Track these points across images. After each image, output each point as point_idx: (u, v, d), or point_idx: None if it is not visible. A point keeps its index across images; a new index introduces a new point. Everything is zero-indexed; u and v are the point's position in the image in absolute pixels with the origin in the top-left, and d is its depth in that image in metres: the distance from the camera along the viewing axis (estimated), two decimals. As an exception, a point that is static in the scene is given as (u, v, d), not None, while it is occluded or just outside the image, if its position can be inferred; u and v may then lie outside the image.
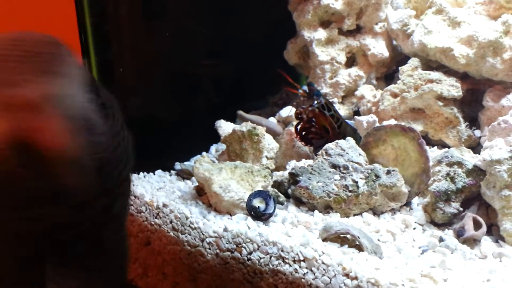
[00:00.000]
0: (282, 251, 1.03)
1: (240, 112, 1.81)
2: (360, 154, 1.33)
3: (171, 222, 1.25)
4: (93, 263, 0.74)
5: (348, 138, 1.38)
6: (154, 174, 1.57)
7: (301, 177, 1.29)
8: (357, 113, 1.78)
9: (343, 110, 1.79)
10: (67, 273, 0.69)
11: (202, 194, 1.35)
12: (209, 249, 1.16)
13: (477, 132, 1.54)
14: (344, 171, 1.29)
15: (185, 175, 1.55)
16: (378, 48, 1.79)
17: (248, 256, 1.08)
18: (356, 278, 0.92)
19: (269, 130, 1.61)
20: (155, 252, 1.30)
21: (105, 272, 0.77)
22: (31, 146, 0.56)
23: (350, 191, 1.24)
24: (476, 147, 1.51)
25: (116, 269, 0.80)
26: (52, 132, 0.57)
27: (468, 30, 1.53)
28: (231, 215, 1.24)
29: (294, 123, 1.55)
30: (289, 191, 1.33)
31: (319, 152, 1.37)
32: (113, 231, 0.81)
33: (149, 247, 1.32)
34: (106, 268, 0.78)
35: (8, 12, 1.30)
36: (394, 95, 1.60)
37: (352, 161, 1.30)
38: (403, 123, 1.40)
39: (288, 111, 1.74)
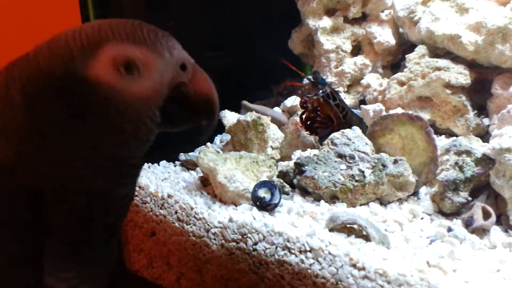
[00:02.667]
0: (288, 241, 1.02)
1: (245, 102, 1.80)
2: (366, 144, 1.31)
3: (176, 212, 1.24)
4: (92, 254, 0.75)
5: (354, 127, 1.36)
6: (158, 165, 1.56)
7: (306, 167, 1.28)
8: (363, 102, 1.76)
9: (348, 99, 1.77)
10: (64, 265, 0.70)
11: (207, 185, 1.33)
12: (214, 239, 1.15)
13: (486, 121, 1.52)
14: (350, 161, 1.27)
15: (189, 165, 1.54)
16: (384, 36, 1.77)
17: (254, 247, 1.07)
18: (363, 268, 0.91)
19: (274, 120, 1.60)
20: (160, 242, 1.29)
21: (102, 264, 0.78)
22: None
23: (356, 181, 1.22)
24: (484, 135, 1.49)
25: (111, 260, 0.81)
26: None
27: (476, 17, 1.50)
28: (236, 206, 1.22)
29: (299, 112, 1.53)
30: (295, 181, 1.32)
31: (325, 142, 1.35)
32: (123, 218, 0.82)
33: (154, 238, 1.31)
34: (104, 259, 0.78)
35: (10, 2, 1.29)
36: (401, 84, 1.58)
37: (359, 151, 1.28)
38: (410, 112, 1.38)
39: (292, 100, 1.72)
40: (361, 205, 1.23)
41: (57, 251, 0.68)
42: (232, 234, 1.11)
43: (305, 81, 1.61)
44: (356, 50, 1.85)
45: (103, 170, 0.68)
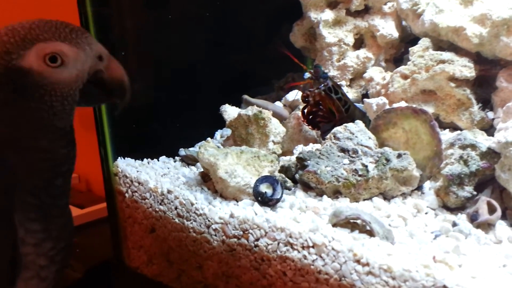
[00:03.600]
0: (290, 237, 1.00)
1: (246, 97, 1.78)
2: (369, 138, 1.29)
3: (176, 208, 1.22)
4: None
5: (357, 121, 1.34)
6: (158, 160, 1.54)
7: (309, 161, 1.26)
8: (365, 96, 1.73)
9: (351, 93, 1.75)
10: (31, 215, 0.87)
11: (207, 180, 1.32)
12: (215, 235, 1.13)
13: (490, 114, 1.50)
14: (354, 155, 1.25)
15: (189, 161, 1.52)
16: (387, 28, 1.74)
17: (255, 243, 1.06)
18: (367, 264, 0.89)
19: (276, 114, 1.58)
20: (160, 239, 1.27)
21: (62, 226, 0.95)
22: None
23: (359, 176, 1.20)
24: (489, 129, 1.46)
25: (70, 229, 0.98)
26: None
27: (481, 8, 1.47)
28: (237, 201, 1.21)
29: (301, 106, 1.51)
30: (297, 176, 1.30)
31: (327, 136, 1.33)
32: None
33: (154, 234, 1.29)
34: (63, 222, 0.95)
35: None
36: (405, 77, 1.55)
37: (362, 145, 1.26)
38: (414, 105, 1.35)
39: (294, 95, 1.70)
40: (364, 200, 1.21)
41: (24, 201, 0.85)
42: (233, 230, 1.09)
43: (307, 75, 1.59)
44: (359, 43, 1.83)
45: (45, 133, 0.88)
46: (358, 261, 0.90)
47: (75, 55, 0.86)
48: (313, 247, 0.97)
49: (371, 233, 1.00)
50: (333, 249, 0.94)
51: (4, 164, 0.85)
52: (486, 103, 1.53)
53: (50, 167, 0.90)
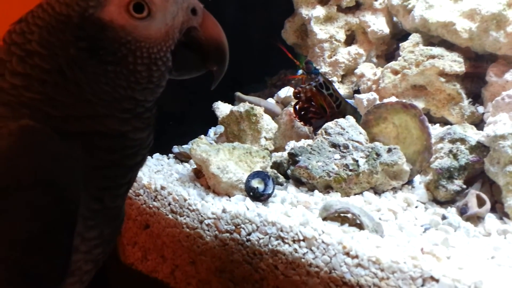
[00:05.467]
0: (281, 231, 1.01)
1: (238, 94, 1.79)
2: (360, 133, 1.30)
3: (169, 204, 1.23)
4: None
5: (348, 116, 1.35)
6: (152, 157, 1.54)
7: (300, 157, 1.27)
8: (357, 92, 1.75)
9: (343, 89, 1.76)
10: (91, 223, 0.72)
11: (200, 177, 1.33)
12: (208, 231, 1.14)
13: (480, 109, 1.51)
14: (344, 150, 1.26)
15: (183, 158, 1.53)
16: (378, 24, 1.75)
17: (247, 237, 1.07)
18: (356, 256, 0.90)
19: (268, 111, 1.59)
20: (154, 235, 1.28)
21: (115, 226, 0.80)
22: None
23: (350, 170, 1.21)
24: (479, 124, 1.48)
25: (119, 227, 0.83)
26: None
27: (470, 4, 1.49)
28: (229, 197, 1.22)
29: (293, 103, 1.52)
30: (289, 172, 1.31)
31: (319, 132, 1.34)
32: None
33: (148, 230, 1.30)
34: (117, 222, 0.81)
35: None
36: (395, 72, 1.56)
37: (352, 140, 1.28)
38: (404, 100, 1.37)
39: (286, 91, 1.72)
40: (355, 194, 1.23)
41: (87, 207, 0.69)
42: (226, 225, 1.10)
43: (300, 72, 1.60)
44: (350, 40, 1.84)
45: (119, 111, 0.70)
46: (347, 254, 0.92)
47: (165, 4, 0.69)
48: (303, 240, 0.98)
49: (360, 226, 1.02)
50: (323, 242, 0.95)
51: (73, 163, 0.66)
52: (477, 98, 1.54)
53: (121, 159, 0.73)
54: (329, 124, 1.32)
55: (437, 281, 0.82)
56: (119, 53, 0.67)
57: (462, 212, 1.12)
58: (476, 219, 1.11)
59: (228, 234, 1.10)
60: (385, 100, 1.38)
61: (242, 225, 1.07)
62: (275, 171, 1.32)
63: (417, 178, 1.29)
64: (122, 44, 0.66)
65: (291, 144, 1.43)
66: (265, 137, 1.47)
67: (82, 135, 0.68)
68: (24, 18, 0.70)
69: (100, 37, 0.66)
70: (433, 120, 1.53)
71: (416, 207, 1.18)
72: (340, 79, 1.78)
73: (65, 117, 0.68)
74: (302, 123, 1.50)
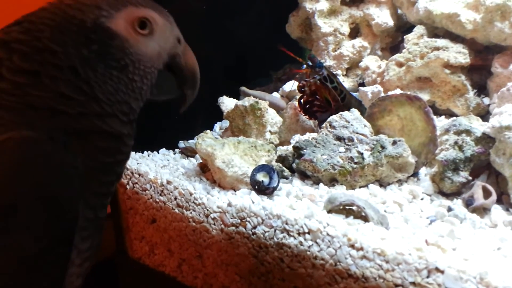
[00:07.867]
0: (286, 224, 1.01)
1: (243, 88, 1.79)
2: (365, 126, 1.30)
3: (175, 199, 1.24)
4: None
5: (353, 109, 1.35)
6: (158, 152, 1.56)
7: (305, 150, 1.27)
8: (362, 85, 1.74)
9: (347, 83, 1.76)
10: (85, 233, 0.74)
11: (206, 171, 1.33)
12: (214, 224, 1.15)
13: (486, 100, 1.51)
14: (349, 143, 1.26)
15: (189, 153, 1.54)
16: (382, 17, 1.75)
17: (253, 231, 1.07)
18: (361, 248, 0.91)
19: (273, 105, 1.59)
20: (161, 229, 1.29)
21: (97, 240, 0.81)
22: None
23: (355, 163, 1.22)
24: (485, 115, 1.47)
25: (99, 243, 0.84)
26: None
27: (475, -6, 1.48)
28: (235, 191, 1.22)
29: (298, 97, 1.52)
30: (294, 165, 1.31)
31: (323, 125, 1.35)
32: None
33: (155, 225, 1.32)
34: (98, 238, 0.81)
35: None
36: (400, 65, 1.56)
37: (357, 133, 1.28)
38: (409, 92, 1.36)
39: (291, 85, 1.72)
40: (360, 187, 1.23)
41: (83, 217, 0.71)
42: (231, 218, 1.11)
43: (305, 67, 1.60)
44: (354, 33, 1.84)
45: (120, 113, 0.77)
46: (352, 246, 0.92)
47: (163, 26, 0.79)
48: (308, 233, 0.98)
49: (365, 219, 1.02)
50: (328, 234, 0.96)
51: (75, 173, 0.68)
52: (482, 89, 1.53)
53: (113, 164, 0.77)
54: (333, 117, 1.33)
55: (442, 272, 0.82)
56: (122, 62, 0.75)
57: (468, 203, 1.12)
58: (482, 211, 1.11)
59: (233, 228, 1.11)
60: (390, 93, 1.38)
61: (248, 219, 1.08)
62: (280, 165, 1.32)
63: (423, 170, 1.29)
64: (126, 54, 0.75)
65: (296, 138, 1.43)
66: (270, 131, 1.47)
67: (88, 134, 0.72)
68: (23, 20, 0.72)
69: (109, 43, 0.73)
70: (438, 112, 1.53)
71: (422, 199, 1.18)
72: (344, 72, 1.78)
73: (75, 114, 0.71)
74: (307, 116, 1.50)
